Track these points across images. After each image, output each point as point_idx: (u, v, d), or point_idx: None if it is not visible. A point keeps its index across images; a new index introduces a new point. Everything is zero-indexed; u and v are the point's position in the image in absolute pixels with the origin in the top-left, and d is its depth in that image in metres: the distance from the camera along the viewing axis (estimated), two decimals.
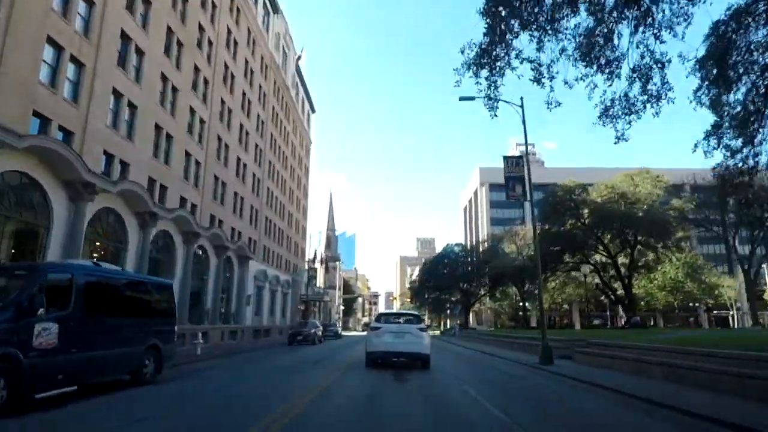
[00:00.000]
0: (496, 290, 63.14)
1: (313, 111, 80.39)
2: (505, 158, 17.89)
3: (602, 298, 76.08)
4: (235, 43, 41.56)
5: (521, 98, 18.43)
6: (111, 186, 16.79)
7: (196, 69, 33.44)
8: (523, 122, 18.17)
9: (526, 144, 17.95)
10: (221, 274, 28.70)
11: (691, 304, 70.66)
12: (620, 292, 45.65)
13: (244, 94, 43.84)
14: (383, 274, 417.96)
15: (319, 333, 34.22)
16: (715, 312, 68.29)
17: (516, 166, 17.67)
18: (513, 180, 17.63)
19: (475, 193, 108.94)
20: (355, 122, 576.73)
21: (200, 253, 26.98)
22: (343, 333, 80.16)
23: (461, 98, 18.44)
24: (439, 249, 69.83)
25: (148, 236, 20.27)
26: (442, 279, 64.02)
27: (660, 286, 45.48)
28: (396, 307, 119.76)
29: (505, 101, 18.55)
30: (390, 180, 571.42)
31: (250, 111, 45.45)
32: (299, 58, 73.13)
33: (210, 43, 36.05)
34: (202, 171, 34.13)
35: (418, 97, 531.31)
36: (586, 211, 38.11)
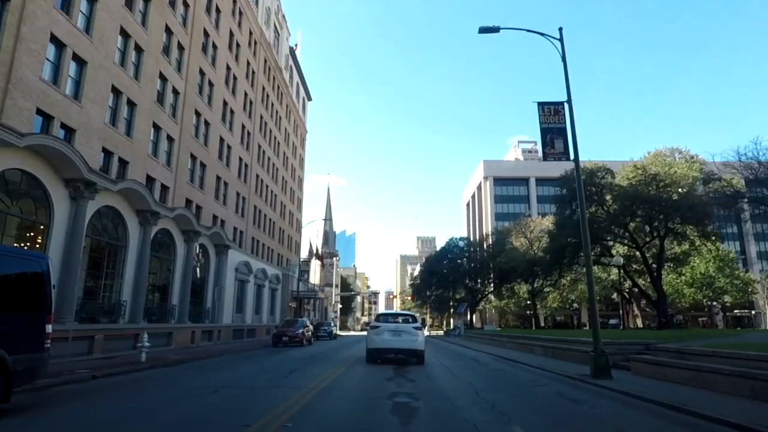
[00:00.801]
0: (503, 287, 58.89)
1: (309, 99, 76.16)
2: (540, 104, 13.53)
3: (614, 296, 72.00)
4: (218, 10, 37.27)
5: (560, 29, 14.18)
6: (16, 139, 12.55)
7: (168, 31, 29.18)
8: (563, 58, 13.88)
9: (568, 83, 13.62)
10: (191, 265, 24.41)
11: (709, 303, 66.70)
12: (637, 287, 41.33)
13: (228, 68, 39.56)
14: (383, 273, 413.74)
15: (309, 333, 30.03)
16: (736, 311, 64.07)
17: (555, 115, 13.32)
18: (551, 132, 13.25)
19: (479, 188, 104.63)
20: (356, 123, 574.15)
21: (164, 238, 22.71)
22: (341, 333, 75.93)
23: (481, 29, 14.20)
24: (440, 248, 65.54)
25: (83, 212, 15.99)
26: (445, 275, 59.75)
27: (688, 281, 41.18)
28: (396, 306, 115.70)
29: (539, 33, 14.34)
30: (391, 180, 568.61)
31: (235, 87, 41.18)
32: (296, 46, 68.97)
33: (186, 4, 31.80)
34: (175, 148, 29.89)
35: (420, 95, 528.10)
36: (609, 197, 33.85)
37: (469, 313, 60.41)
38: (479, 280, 58.13)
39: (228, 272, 29.64)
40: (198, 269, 26.48)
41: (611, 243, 37.31)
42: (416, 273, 75.05)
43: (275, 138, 54.55)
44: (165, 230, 22.48)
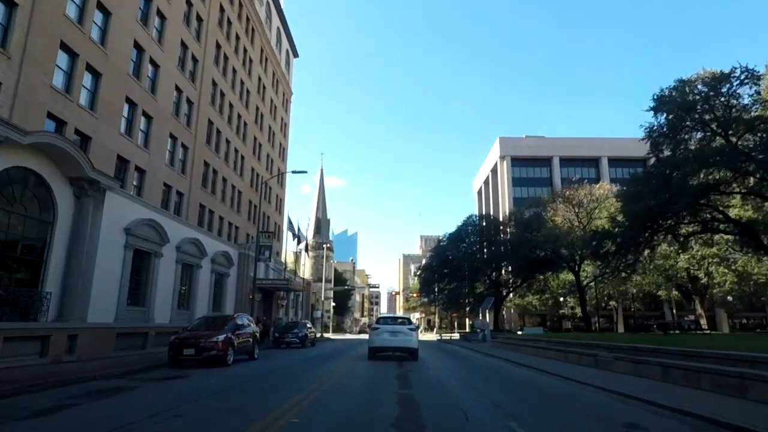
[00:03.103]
0: (535, 278, 45.96)
1: (296, 55, 63.58)
2: None
3: (660, 292, 58.68)
4: None
5: None
6: None
7: None
8: None
9: None
10: None
11: None
12: None
13: None
14: (387, 275, 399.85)
15: (250, 341, 17.36)
16: None
17: None
18: None
19: (494, 170, 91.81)
20: (356, 124, 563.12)
21: None
22: (333, 336, 62.93)
23: None
24: (455, 227, 52.37)
25: None
26: (460, 264, 46.93)
27: None
28: (399, 304, 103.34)
29: None
30: (392, 180, 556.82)
31: None
32: None
33: None
34: (18, 20, 17.29)
35: (421, 94, 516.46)
36: (744, 116, 21.06)
37: (494, 310, 47.11)
38: (509, 269, 45.11)
39: (106, 233, 16.92)
40: (20, 220, 13.78)
41: (728, 200, 24.49)
42: (424, 262, 61.93)
43: (242, 82, 41.91)
44: None
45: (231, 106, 39.28)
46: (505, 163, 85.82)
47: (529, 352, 22.21)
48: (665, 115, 23.31)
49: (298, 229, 47.82)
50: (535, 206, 45.41)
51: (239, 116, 41.22)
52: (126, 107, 24.09)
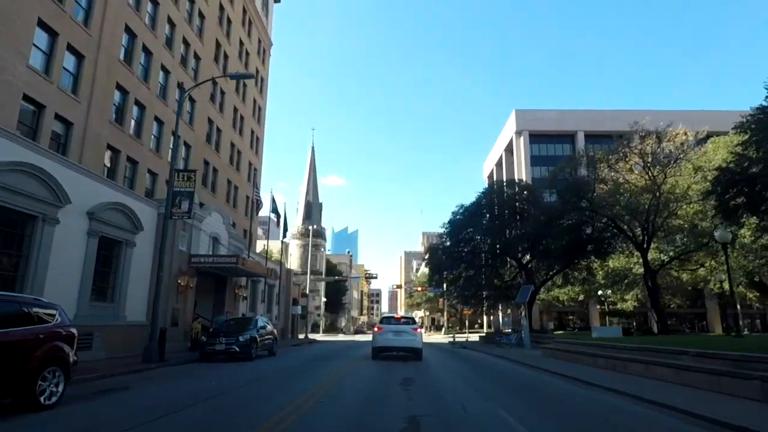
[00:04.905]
0: (577, 264, 35.18)
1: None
2: None
3: (711, 285, 47.69)
4: None
5: None
6: None
7: None
8: None
9: None
10: None
11: None
12: None
13: None
14: (388, 274, 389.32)
15: (23, 365, 6.49)
16: None
17: None
18: None
19: (508, 149, 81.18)
20: (356, 124, 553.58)
21: None
22: (320, 337, 52.15)
23: None
24: (476, 197, 41.19)
25: None
26: (482, 242, 36.19)
27: None
28: (401, 301, 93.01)
29: None
30: (393, 178, 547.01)
31: None
32: None
33: None
34: None
35: (423, 93, 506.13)
36: None
37: (529, 305, 36.10)
38: (545, 249, 34.23)
39: None
40: None
41: None
42: (434, 242, 51.10)
43: None
44: None
45: (172, 24, 28.70)
46: (522, 139, 75.00)
47: (652, 374, 11.52)
48: None
49: (273, 201, 37.22)
50: (579, 166, 34.56)
51: (187, 42, 30.63)
52: None
